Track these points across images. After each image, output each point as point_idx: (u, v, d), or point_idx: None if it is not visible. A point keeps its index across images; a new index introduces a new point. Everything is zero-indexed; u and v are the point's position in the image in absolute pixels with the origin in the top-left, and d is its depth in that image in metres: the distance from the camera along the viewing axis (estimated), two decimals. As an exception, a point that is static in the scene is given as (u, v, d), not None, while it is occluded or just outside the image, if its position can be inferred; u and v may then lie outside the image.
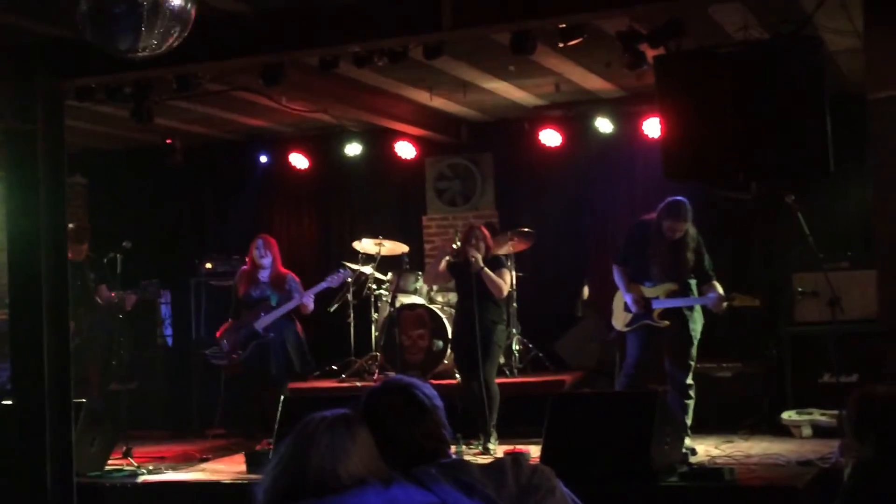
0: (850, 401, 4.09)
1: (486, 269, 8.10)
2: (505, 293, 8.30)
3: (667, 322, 7.61)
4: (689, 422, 7.58)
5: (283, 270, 9.04)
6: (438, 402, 2.83)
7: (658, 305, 7.62)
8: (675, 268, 7.63)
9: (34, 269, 6.89)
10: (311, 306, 8.90)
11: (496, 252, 8.54)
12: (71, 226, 9.24)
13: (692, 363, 7.65)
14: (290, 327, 8.94)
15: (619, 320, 7.89)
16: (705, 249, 7.71)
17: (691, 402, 7.61)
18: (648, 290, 7.69)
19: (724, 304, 7.52)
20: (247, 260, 9.14)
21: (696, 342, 7.64)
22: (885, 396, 4.00)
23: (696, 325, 7.65)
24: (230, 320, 9.03)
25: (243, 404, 9.29)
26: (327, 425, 2.56)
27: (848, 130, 6.14)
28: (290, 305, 8.82)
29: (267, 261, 8.96)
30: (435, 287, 9.82)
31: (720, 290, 7.58)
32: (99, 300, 9.32)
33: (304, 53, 7.23)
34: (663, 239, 7.59)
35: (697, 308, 7.67)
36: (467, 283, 8.13)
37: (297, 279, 9.01)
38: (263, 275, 8.96)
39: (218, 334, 9.07)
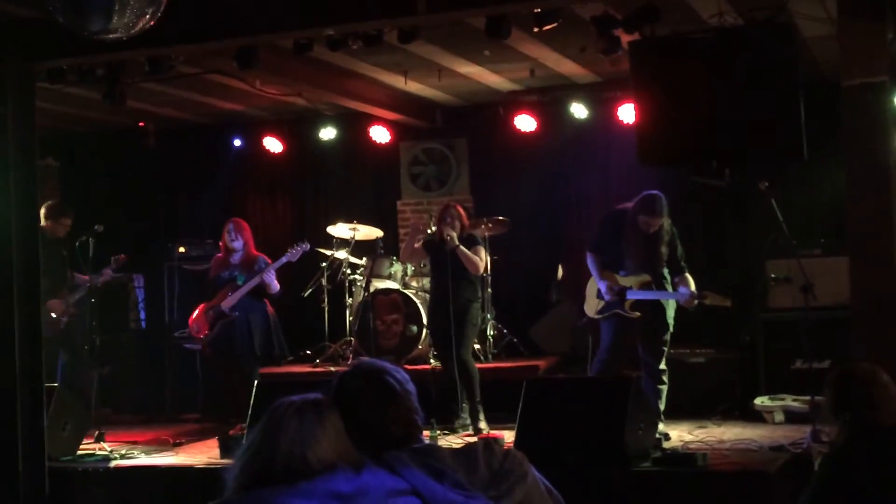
0: (829, 378, 4.09)
1: (462, 247, 8.10)
2: (481, 270, 8.32)
3: (638, 313, 7.62)
4: (662, 407, 7.61)
5: (255, 252, 9.04)
6: (410, 387, 2.82)
7: (631, 296, 7.62)
8: (649, 261, 7.63)
9: (5, 254, 6.82)
10: (275, 284, 8.83)
11: (471, 231, 8.54)
12: (51, 202, 9.21)
13: (665, 349, 7.68)
14: (258, 308, 8.92)
15: (591, 307, 7.89)
16: (679, 241, 7.72)
17: (664, 388, 7.64)
18: (622, 280, 7.69)
19: (696, 301, 7.52)
20: (220, 245, 9.13)
21: (670, 328, 7.66)
22: (864, 374, 4.01)
23: (670, 311, 7.67)
24: (203, 304, 9.01)
25: (218, 389, 9.26)
26: (296, 410, 2.55)
27: (821, 117, 6.15)
28: (253, 283, 8.79)
29: (238, 244, 8.95)
30: (410, 270, 9.81)
31: (692, 284, 7.57)
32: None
33: (279, 36, 7.18)
34: (638, 232, 7.58)
35: (671, 295, 7.69)
36: (443, 260, 8.14)
37: (268, 260, 8.98)
38: (235, 258, 8.99)
39: (191, 320, 9.05)
